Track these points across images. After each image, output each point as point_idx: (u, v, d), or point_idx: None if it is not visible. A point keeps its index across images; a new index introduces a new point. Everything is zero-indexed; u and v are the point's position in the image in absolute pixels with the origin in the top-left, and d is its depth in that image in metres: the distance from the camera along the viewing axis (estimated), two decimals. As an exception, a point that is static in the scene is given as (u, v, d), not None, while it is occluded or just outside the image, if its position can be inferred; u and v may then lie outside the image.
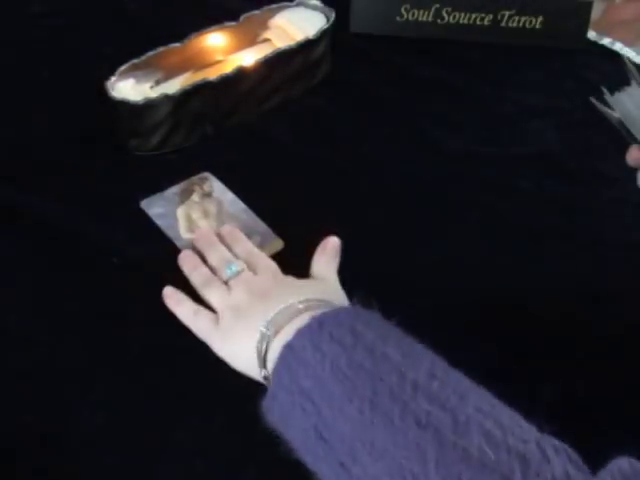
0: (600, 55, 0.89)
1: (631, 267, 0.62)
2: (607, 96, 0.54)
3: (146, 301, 0.58)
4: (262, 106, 0.76)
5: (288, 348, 0.44)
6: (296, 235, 0.63)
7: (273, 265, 0.55)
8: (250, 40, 0.79)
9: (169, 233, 0.62)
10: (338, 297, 0.53)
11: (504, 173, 0.71)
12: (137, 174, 0.69)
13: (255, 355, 0.48)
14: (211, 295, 0.53)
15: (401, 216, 0.66)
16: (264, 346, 0.47)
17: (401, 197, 0.68)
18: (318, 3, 0.82)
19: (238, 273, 0.54)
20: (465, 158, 0.73)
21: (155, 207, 0.64)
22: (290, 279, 0.54)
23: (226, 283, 0.54)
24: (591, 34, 0.91)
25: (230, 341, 0.50)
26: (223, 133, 0.74)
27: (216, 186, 0.67)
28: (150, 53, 0.72)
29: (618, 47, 0.90)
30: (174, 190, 0.66)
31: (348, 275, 0.61)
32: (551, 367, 0.54)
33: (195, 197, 0.65)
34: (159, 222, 0.63)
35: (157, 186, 0.66)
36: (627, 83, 0.53)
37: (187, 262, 0.57)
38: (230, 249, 0.57)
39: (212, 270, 0.56)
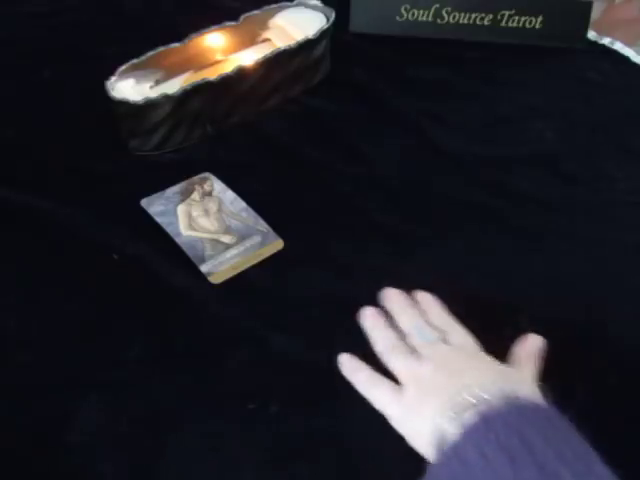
0: (600, 55, 0.89)
1: (631, 267, 0.63)
2: None
3: (146, 299, 0.58)
4: (262, 106, 0.76)
5: (453, 449, 0.41)
6: (296, 235, 0.63)
7: (470, 341, 0.50)
8: (250, 40, 0.79)
9: (169, 230, 0.62)
10: (526, 389, 0.47)
11: (504, 173, 0.71)
12: (137, 174, 0.69)
13: (432, 437, 0.44)
14: (396, 363, 0.49)
15: (401, 216, 0.66)
16: (440, 433, 0.43)
17: (401, 197, 0.68)
18: (318, 3, 0.82)
19: (431, 343, 0.49)
20: (465, 158, 0.73)
21: (155, 205, 0.64)
22: (486, 359, 0.49)
23: (411, 352, 0.49)
24: (591, 34, 0.91)
25: (411, 416, 0.46)
26: (223, 133, 0.74)
27: (217, 185, 0.67)
28: (150, 53, 0.72)
29: (618, 47, 0.90)
30: (175, 189, 0.66)
31: (354, 272, 0.61)
32: (551, 367, 0.54)
33: (195, 196, 0.65)
34: (159, 219, 0.63)
35: (157, 186, 0.66)
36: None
37: (371, 321, 0.52)
38: (423, 315, 0.52)
39: (399, 335, 0.51)
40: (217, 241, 0.62)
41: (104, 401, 0.51)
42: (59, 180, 0.68)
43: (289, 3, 0.82)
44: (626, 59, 0.88)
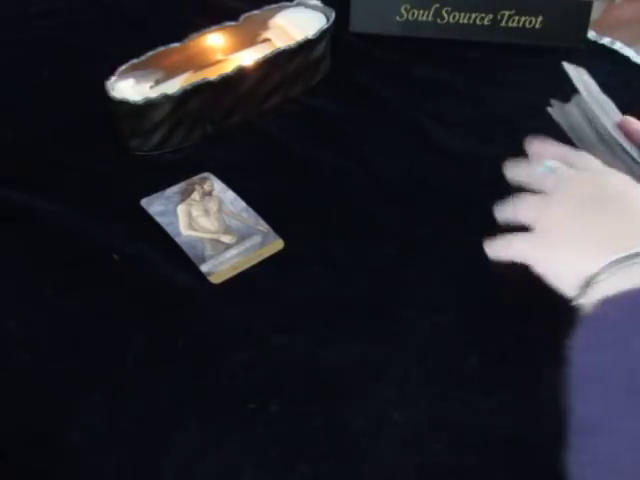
0: (600, 55, 0.89)
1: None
2: (555, 107, 0.54)
3: (146, 299, 0.58)
4: (262, 106, 0.76)
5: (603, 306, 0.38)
6: (296, 235, 0.63)
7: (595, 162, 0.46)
8: (250, 40, 0.79)
9: (169, 230, 0.62)
10: None
11: (504, 173, 0.71)
12: (137, 174, 0.69)
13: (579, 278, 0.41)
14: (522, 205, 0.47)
15: (401, 216, 0.66)
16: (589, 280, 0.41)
17: (401, 197, 0.68)
18: (318, 3, 0.82)
19: (554, 171, 0.46)
20: (465, 158, 0.73)
21: (155, 205, 0.64)
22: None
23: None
24: (591, 34, 0.91)
25: (553, 260, 0.44)
26: (223, 133, 0.74)
27: (217, 185, 0.67)
28: (150, 53, 0.72)
29: (618, 47, 0.90)
30: (174, 189, 0.66)
31: (354, 272, 0.61)
32: (551, 367, 0.54)
33: (195, 196, 0.65)
34: (159, 219, 0.63)
35: (157, 186, 0.66)
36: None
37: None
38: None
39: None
40: (217, 241, 0.62)
41: (104, 401, 0.51)
42: (59, 180, 0.68)
43: (289, 3, 0.82)
44: (626, 59, 0.88)
